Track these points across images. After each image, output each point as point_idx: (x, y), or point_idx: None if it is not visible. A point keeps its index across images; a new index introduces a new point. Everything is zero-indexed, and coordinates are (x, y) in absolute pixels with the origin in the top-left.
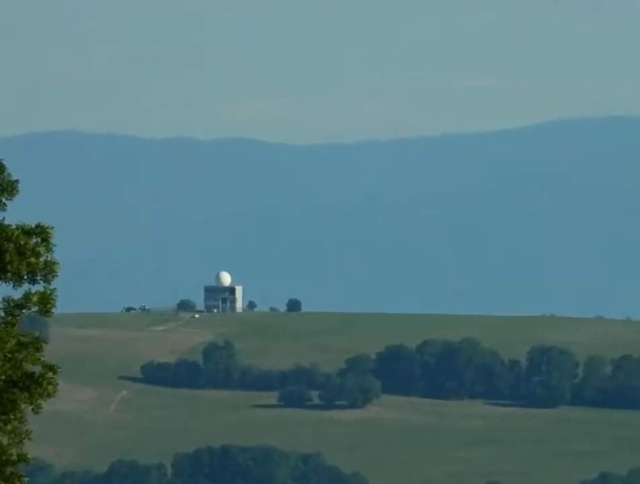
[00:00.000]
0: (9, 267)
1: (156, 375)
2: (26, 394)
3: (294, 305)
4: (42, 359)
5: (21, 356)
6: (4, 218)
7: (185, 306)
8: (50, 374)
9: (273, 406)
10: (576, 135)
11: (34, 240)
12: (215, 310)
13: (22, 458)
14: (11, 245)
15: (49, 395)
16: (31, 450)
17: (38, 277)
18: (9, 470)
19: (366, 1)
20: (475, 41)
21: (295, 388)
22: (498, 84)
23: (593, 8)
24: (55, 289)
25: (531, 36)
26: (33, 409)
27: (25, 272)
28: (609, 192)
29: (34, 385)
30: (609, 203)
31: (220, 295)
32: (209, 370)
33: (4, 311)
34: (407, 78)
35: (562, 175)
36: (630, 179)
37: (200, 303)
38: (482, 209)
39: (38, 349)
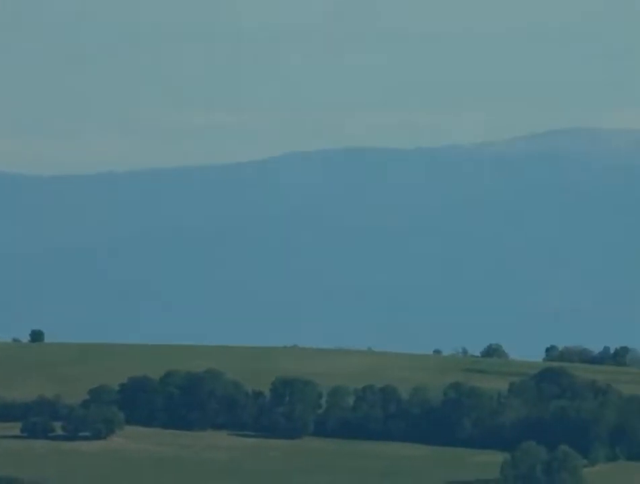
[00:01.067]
0: None
1: None
2: None
3: (37, 336)
4: None
5: None
6: None
7: None
8: None
9: (17, 437)
10: (313, 166)
11: None
12: None
13: None
14: None
15: None
16: None
17: None
18: None
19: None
20: (209, 79)
21: (38, 419)
22: (232, 119)
23: (325, 51)
24: None
25: (264, 73)
26: None
27: None
28: (347, 223)
29: None
30: (343, 236)
31: None
32: None
33: None
34: (138, 113)
35: (307, 207)
36: (363, 206)
37: None
38: (222, 242)
39: None
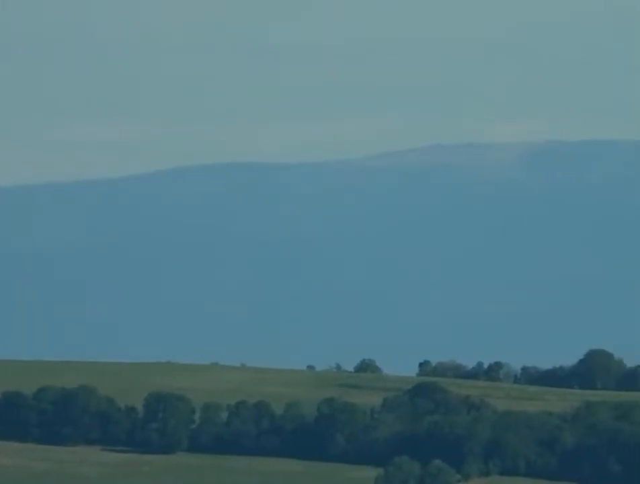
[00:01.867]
0: None
1: None
2: None
3: None
4: None
5: None
6: None
7: None
8: None
9: None
10: (198, 180)
11: None
12: None
13: None
14: None
15: None
16: None
17: None
18: None
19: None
20: (92, 91)
21: None
22: (115, 133)
23: (207, 63)
24: None
25: (166, 87)
26: None
27: None
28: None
29: None
30: (221, 249)
31: None
32: None
33: None
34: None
35: (189, 220)
36: (243, 219)
37: None
38: (98, 256)
39: None
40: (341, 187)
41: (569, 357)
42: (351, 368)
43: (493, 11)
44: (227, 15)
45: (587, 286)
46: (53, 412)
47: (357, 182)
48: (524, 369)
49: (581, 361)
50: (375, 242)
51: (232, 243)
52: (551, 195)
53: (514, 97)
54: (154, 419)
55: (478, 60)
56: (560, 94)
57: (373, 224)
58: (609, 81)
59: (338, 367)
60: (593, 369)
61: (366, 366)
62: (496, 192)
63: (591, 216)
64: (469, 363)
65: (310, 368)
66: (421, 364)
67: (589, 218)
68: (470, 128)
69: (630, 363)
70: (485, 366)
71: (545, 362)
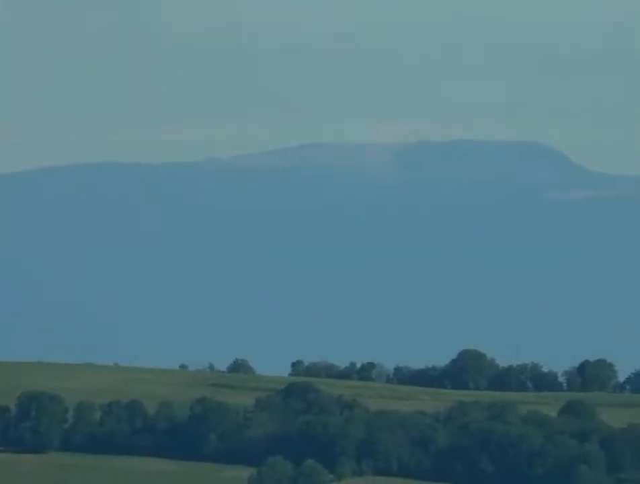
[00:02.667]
0: None
1: None
2: None
3: None
4: None
5: None
6: None
7: None
8: None
9: None
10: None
11: None
12: None
13: None
14: None
15: None
16: None
17: None
18: None
19: None
20: None
21: None
22: None
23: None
24: None
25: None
26: None
27: None
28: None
29: None
30: (86, 250)
31: None
32: None
33: None
34: None
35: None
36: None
37: None
38: None
39: None
40: (215, 187)
41: (441, 358)
42: (224, 368)
43: (359, 13)
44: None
45: (462, 285)
46: None
47: (229, 182)
48: (397, 369)
49: (453, 361)
50: (242, 243)
51: (94, 242)
52: (423, 192)
53: (384, 99)
54: (26, 418)
55: (353, 63)
56: (429, 96)
57: (241, 224)
58: (472, 83)
59: (211, 367)
60: (466, 369)
61: (238, 366)
62: (370, 189)
63: (463, 212)
64: (342, 363)
65: (183, 367)
66: (293, 364)
67: (461, 215)
68: (342, 129)
69: (502, 363)
70: (358, 366)
71: (418, 362)
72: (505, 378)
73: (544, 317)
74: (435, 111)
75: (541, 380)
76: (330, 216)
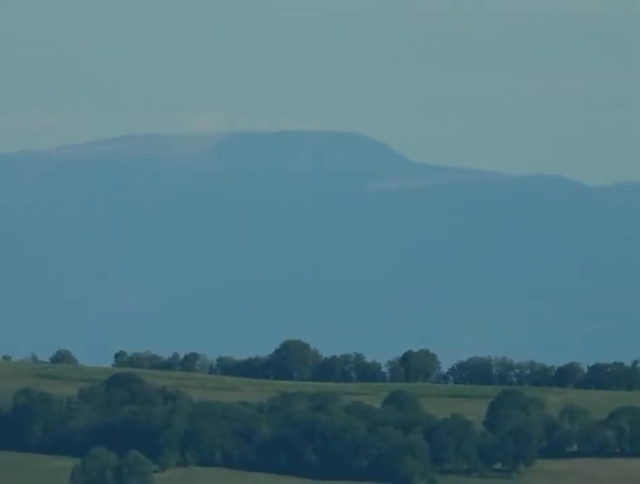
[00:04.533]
0: None
1: None
2: None
3: None
4: None
5: None
6: None
7: None
8: None
9: None
10: None
11: None
12: None
13: None
14: None
15: None
16: None
17: None
18: None
19: None
20: None
21: None
22: None
23: None
24: None
25: None
26: None
27: None
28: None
29: None
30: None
31: None
32: None
33: None
34: None
35: None
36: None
37: None
38: None
39: None
40: (30, 180)
41: (264, 348)
42: (47, 359)
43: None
44: None
45: (283, 276)
46: None
47: (45, 174)
48: (220, 360)
49: (276, 351)
50: (61, 235)
51: None
52: (246, 185)
53: (204, 88)
54: None
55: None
56: (253, 87)
57: (59, 216)
58: (286, 73)
59: (34, 357)
60: (289, 359)
61: (61, 357)
62: (190, 181)
63: (279, 203)
64: (165, 354)
65: (6, 358)
66: (116, 355)
67: (277, 206)
68: (160, 120)
69: (325, 353)
70: (181, 356)
71: (241, 353)
72: (329, 369)
73: (369, 309)
74: (257, 102)
75: (364, 371)
76: (149, 207)
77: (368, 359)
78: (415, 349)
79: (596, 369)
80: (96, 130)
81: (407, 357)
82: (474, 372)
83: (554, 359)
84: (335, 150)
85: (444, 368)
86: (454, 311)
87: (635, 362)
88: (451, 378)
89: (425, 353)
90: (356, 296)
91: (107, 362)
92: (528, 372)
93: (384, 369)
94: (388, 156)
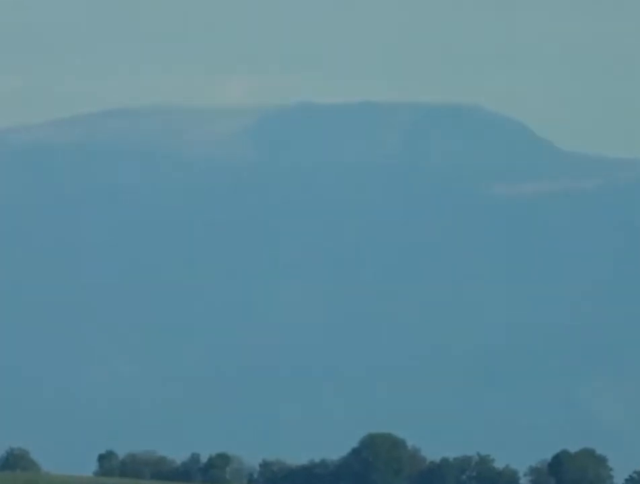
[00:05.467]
0: None
1: None
2: None
3: None
4: None
5: None
6: None
7: None
8: None
9: None
10: None
11: None
12: None
13: None
14: None
15: None
16: None
17: None
18: None
19: None
20: None
21: None
22: None
23: None
24: None
25: None
26: None
27: None
28: None
29: None
30: None
31: None
32: None
33: None
34: None
35: None
36: None
37: None
38: None
39: None
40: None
41: (335, 446)
42: None
43: None
44: None
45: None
46: None
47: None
48: (264, 465)
49: (354, 451)
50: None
51: None
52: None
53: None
54: None
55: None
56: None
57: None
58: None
59: None
60: (374, 464)
61: (13, 459)
62: (219, 172)
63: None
64: (177, 454)
65: None
66: (101, 457)
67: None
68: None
69: (430, 454)
70: (204, 459)
71: (297, 453)
72: (438, 479)
73: (476, 387)
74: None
75: (494, 482)
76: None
77: (498, 464)
78: (572, 447)
79: None
80: (64, 107)
81: (559, 461)
82: None
83: None
84: (440, 130)
85: (619, 479)
86: (612, 386)
87: None
88: None
89: (588, 455)
90: (463, 370)
91: (87, 469)
92: None
93: (524, 480)
94: (529, 141)
